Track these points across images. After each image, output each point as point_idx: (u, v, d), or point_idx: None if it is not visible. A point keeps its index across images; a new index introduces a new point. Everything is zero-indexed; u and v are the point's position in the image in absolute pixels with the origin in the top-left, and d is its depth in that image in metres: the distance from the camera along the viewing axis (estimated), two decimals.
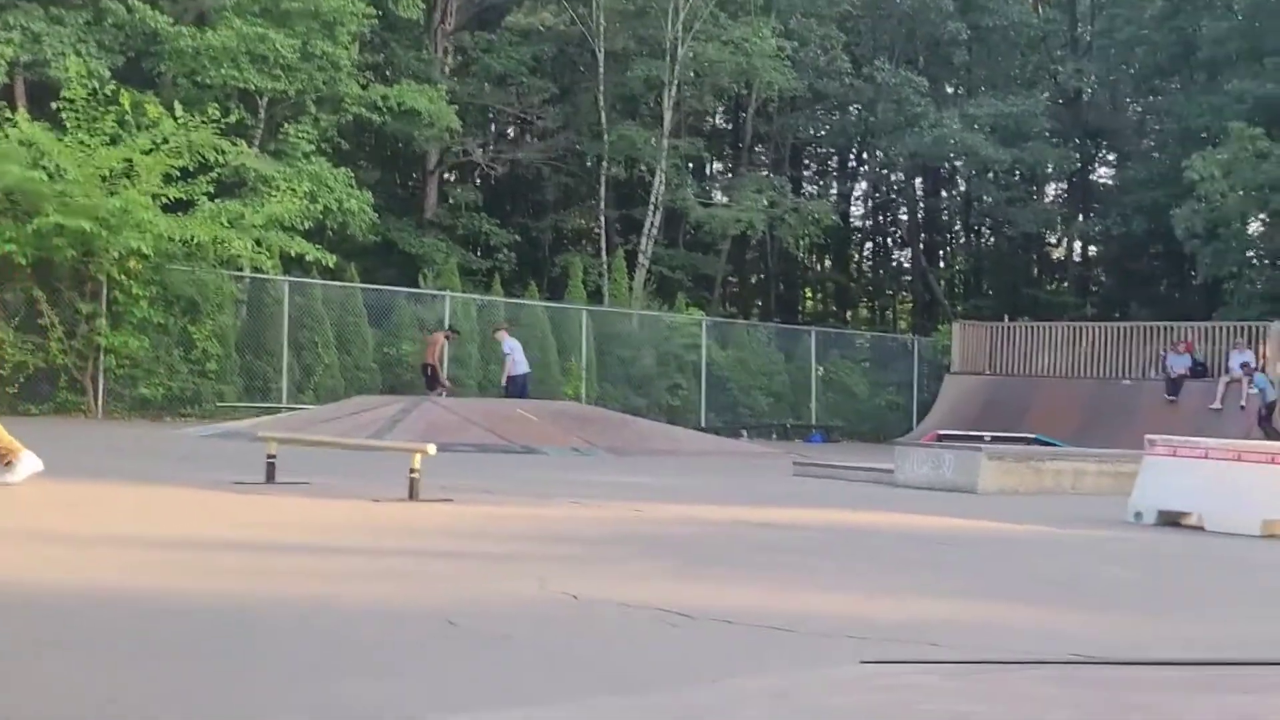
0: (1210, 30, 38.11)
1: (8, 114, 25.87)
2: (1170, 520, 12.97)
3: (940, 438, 23.78)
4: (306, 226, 28.47)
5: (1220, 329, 32.03)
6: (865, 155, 50.02)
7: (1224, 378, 30.27)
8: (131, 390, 25.16)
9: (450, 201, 39.16)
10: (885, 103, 41.46)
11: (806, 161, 51.39)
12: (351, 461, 15.57)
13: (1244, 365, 29.80)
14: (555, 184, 41.80)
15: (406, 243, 35.82)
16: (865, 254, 55.49)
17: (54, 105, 26.01)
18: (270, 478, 12.77)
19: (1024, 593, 8.17)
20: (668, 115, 37.36)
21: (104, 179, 24.90)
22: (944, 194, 49.94)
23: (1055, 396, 32.08)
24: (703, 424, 31.86)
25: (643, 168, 39.32)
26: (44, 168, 24.45)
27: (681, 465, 20.16)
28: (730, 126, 49.03)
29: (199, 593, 6.65)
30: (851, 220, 51.82)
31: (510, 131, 44.55)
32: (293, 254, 27.70)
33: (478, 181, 41.76)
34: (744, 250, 46.66)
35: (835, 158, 52.30)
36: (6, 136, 24.79)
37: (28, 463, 11.49)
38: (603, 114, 37.57)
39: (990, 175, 44.29)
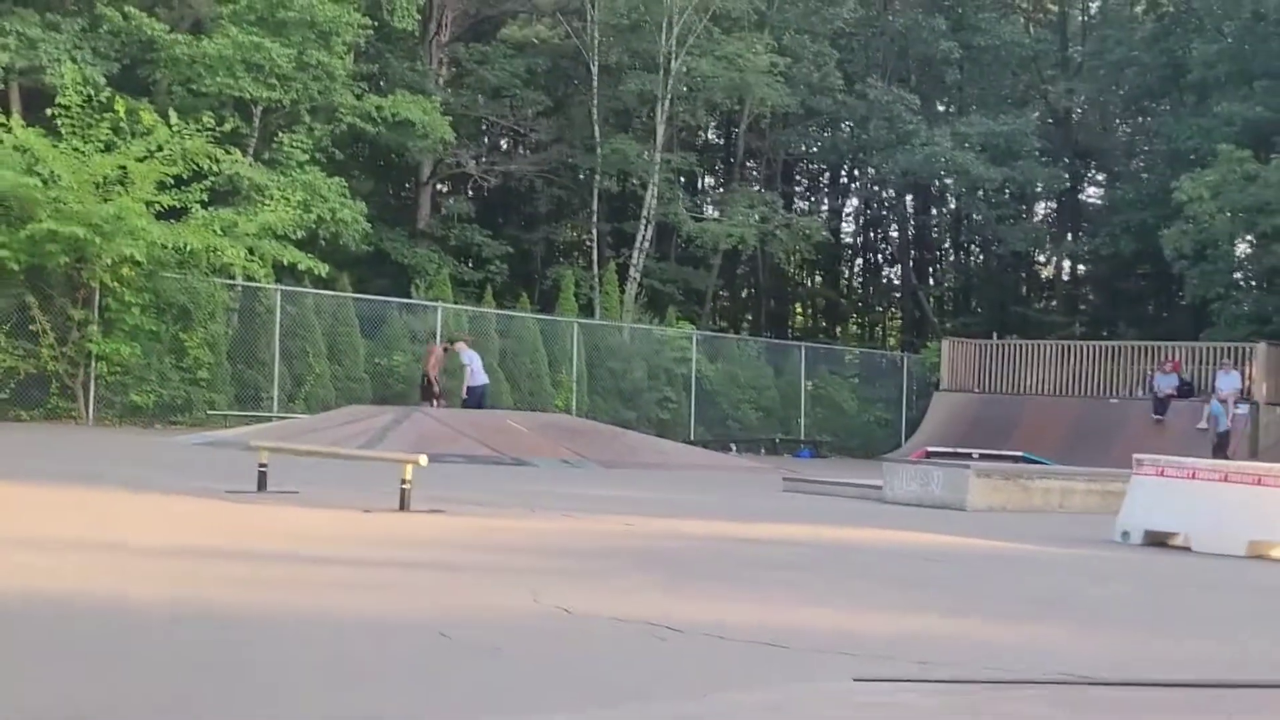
0: (1200, 53, 38.31)
1: (2, 120, 25.86)
2: (1157, 540, 13.06)
3: (929, 454, 23.86)
4: (299, 236, 28.53)
5: (1207, 349, 32.19)
6: (857, 172, 50.18)
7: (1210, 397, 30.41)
8: (122, 397, 25.18)
9: (443, 212, 39.23)
10: (877, 120, 41.60)
11: (798, 177, 51.58)
12: (343, 471, 15.61)
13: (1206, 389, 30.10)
14: (548, 196, 41.88)
15: (399, 253, 35.88)
16: (855, 270, 55.64)
17: (49, 112, 26.05)
18: (262, 487, 12.82)
19: (1013, 611, 8.24)
20: (660, 129, 37.47)
21: (98, 186, 24.97)
22: (934, 211, 50.10)
23: (1043, 414, 32.21)
24: (692, 437, 31.94)
25: (635, 181, 39.43)
26: (38, 174, 24.51)
27: (671, 479, 20.22)
28: (722, 141, 49.21)
29: (190, 602, 6.69)
30: (842, 236, 51.96)
31: (503, 143, 44.63)
32: (285, 263, 27.76)
33: (470, 193, 41.86)
34: (735, 265, 46.79)
35: (827, 174, 52.47)
36: (1, 142, 24.83)
37: None
38: (596, 127, 37.68)
39: (980, 193, 44.41)
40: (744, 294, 50.30)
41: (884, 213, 51.20)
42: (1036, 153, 42.23)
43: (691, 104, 39.58)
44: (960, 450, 24.59)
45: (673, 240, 41.76)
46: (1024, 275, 50.72)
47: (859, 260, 55.36)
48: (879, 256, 54.63)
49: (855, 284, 55.55)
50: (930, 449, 25.72)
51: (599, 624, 6.66)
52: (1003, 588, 9.49)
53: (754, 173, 46.80)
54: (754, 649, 6.15)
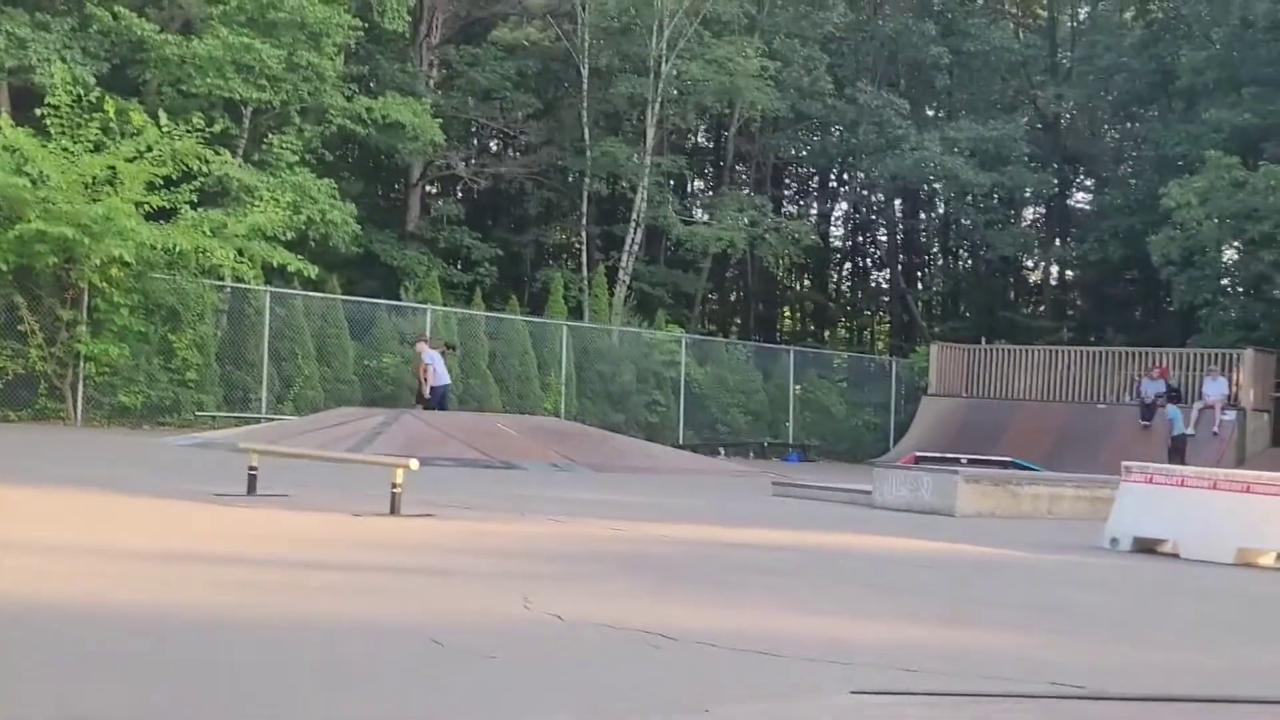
0: (1189, 59, 38.44)
1: None
2: (1146, 547, 13.10)
3: (917, 460, 23.90)
4: (289, 237, 28.51)
5: (1194, 355, 32.31)
6: (846, 176, 50.25)
7: (1197, 404, 30.52)
8: (111, 398, 25.14)
9: (432, 214, 39.22)
10: (866, 124, 41.68)
11: (787, 181, 51.64)
12: (332, 474, 15.60)
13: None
14: (537, 199, 41.90)
15: (388, 255, 35.87)
16: (844, 274, 55.72)
17: (38, 111, 26.01)
18: (251, 490, 12.80)
19: (1003, 618, 8.26)
20: (650, 132, 37.51)
21: (87, 186, 24.94)
22: (923, 216, 50.19)
23: (1030, 419, 32.31)
24: (680, 441, 31.96)
25: (625, 184, 39.46)
26: (27, 174, 24.47)
27: (660, 483, 20.23)
28: (712, 145, 49.26)
29: (180, 607, 6.69)
30: (831, 240, 52.03)
31: (493, 146, 44.64)
32: (274, 264, 27.74)
33: (460, 195, 41.84)
34: (724, 268, 46.83)
35: (816, 178, 52.54)
36: None
37: None
38: (586, 130, 37.70)
39: (969, 198, 44.54)
40: (733, 297, 50.36)
41: (873, 217, 51.28)
42: (1025, 158, 42.32)
43: (681, 107, 39.65)
44: (949, 455, 24.64)
45: (662, 243, 41.81)
46: (1012, 280, 50.83)
47: (848, 264, 55.45)
48: (868, 261, 54.75)
49: (844, 288, 55.64)
50: (919, 454, 25.78)
51: (591, 630, 6.66)
52: (992, 595, 9.51)
53: (743, 176, 46.87)
54: (745, 657, 6.16)
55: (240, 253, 26.65)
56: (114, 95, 27.02)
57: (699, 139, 49.02)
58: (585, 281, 36.93)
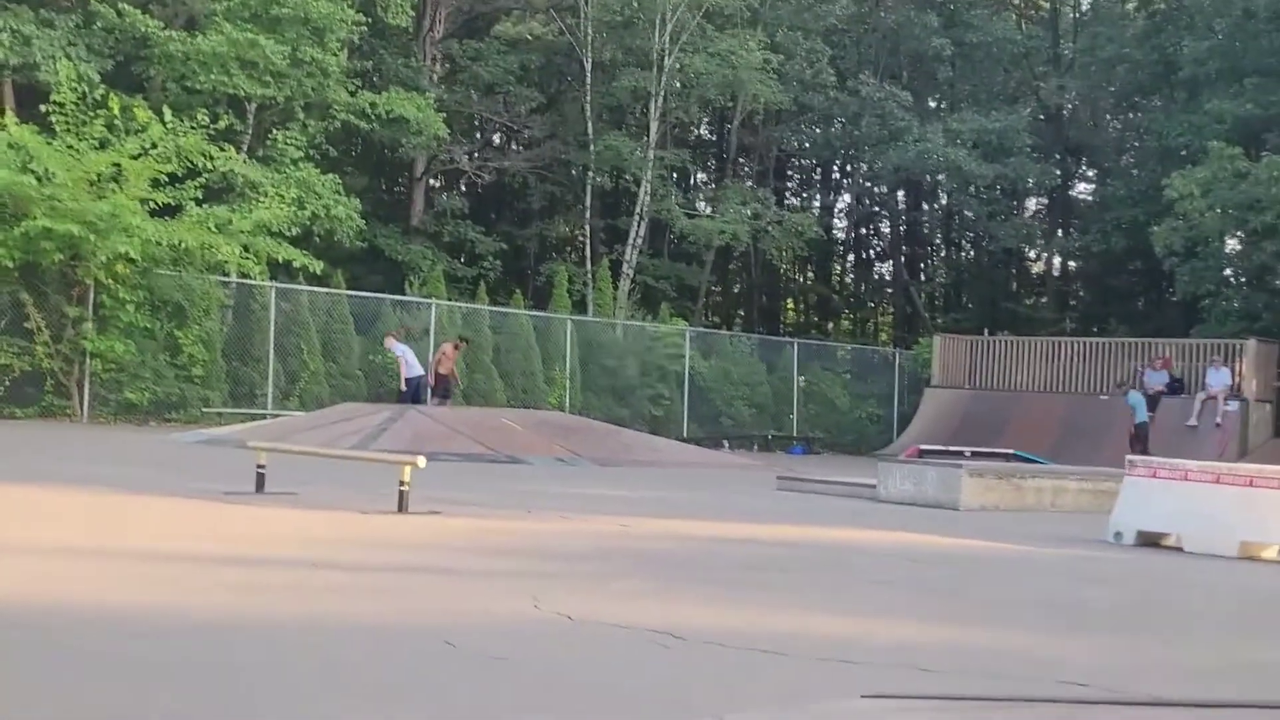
0: (1191, 50, 38.41)
1: None
2: (1150, 541, 13.17)
3: (921, 453, 23.96)
4: (294, 233, 28.56)
5: (1198, 346, 32.33)
6: (849, 168, 50.24)
7: (1200, 394, 30.56)
8: (117, 395, 25.22)
9: (436, 209, 39.27)
10: (869, 117, 41.68)
11: (790, 173, 51.63)
12: (339, 470, 15.64)
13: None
14: (541, 193, 41.95)
15: (393, 249, 35.92)
16: (847, 266, 55.72)
17: (43, 108, 26.06)
18: (260, 488, 12.88)
19: (1010, 615, 8.33)
20: (654, 126, 37.54)
21: (92, 183, 24.99)
22: (926, 207, 50.20)
23: (1033, 411, 32.37)
24: (685, 434, 32.01)
25: (628, 178, 39.48)
26: (32, 171, 24.52)
27: (665, 477, 20.29)
28: (715, 138, 49.26)
29: (189, 608, 6.74)
30: (834, 232, 52.04)
31: (497, 140, 44.64)
32: (280, 260, 27.79)
33: (464, 189, 41.88)
34: (727, 261, 46.88)
35: (819, 170, 52.52)
36: None
37: None
38: (589, 124, 37.74)
39: (972, 190, 44.53)
40: (736, 290, 50.40)
41: (875, 209, 51.25)
42: (1028, 149, 42.33)
43: (684, 100, 39.68)
44: (952, 448, 24.69)
45: (665, 237, 41.87)
46: (1015, 271, 50.83)
47: (851, 256, 55.45)
48: (871, 252, 54.72)
49: (847, 280, 55.65)
50: (922, 447, 25.82)
51: (601, 630, 6.73)
52: (999, 591, 9.58)
53: (746, 169, 46.88)
54: (754, 656, 6.22)
55: (245, 249, 26.68)
56: (118, 92, 27.04)
57: (702, 132, 49.04)
58: (589, 275, 36.99)
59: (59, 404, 24.73)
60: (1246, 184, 32.69)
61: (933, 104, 47.15)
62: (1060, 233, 47.00)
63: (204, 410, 25.95)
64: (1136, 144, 45.56)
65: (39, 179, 24.41)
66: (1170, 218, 34.03)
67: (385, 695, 5.16)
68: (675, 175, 42.18)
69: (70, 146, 25.08)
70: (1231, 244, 36.80)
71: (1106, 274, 44.78)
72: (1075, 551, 12.50)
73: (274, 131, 31.41)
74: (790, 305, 54.08)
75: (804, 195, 52.42)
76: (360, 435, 20.60)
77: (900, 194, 48.65)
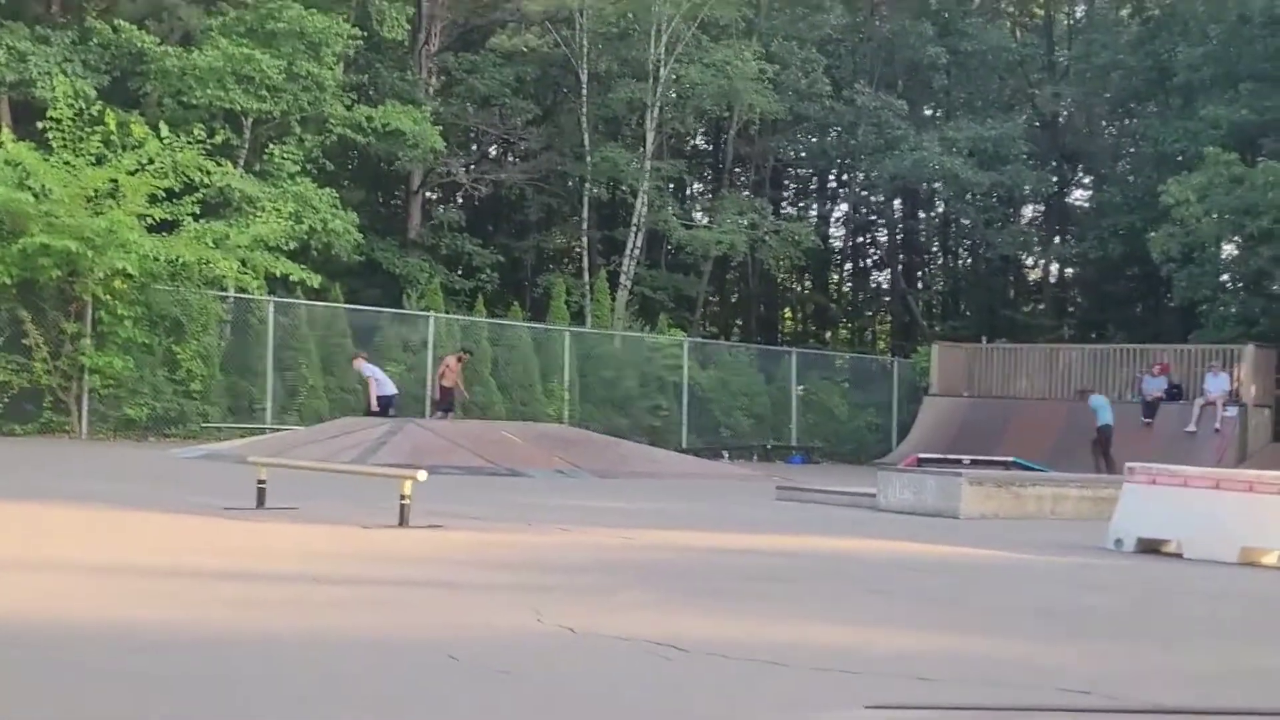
0: (1185, 56, 38.50)
1: None
2: (1150, 547, 13.17)
3: (920, 461, 23.98)
4: (291, 247, 28.60)
5: (1196, 351, 32.35)
6: (845, 177, 50.30)
7: (1199, 400, 30.58)
8: (116, 411, 25.24)
9: (433, 221, 39.31)
10: (865, 126, 41.74)
11: (787, 183, 51.68)
12: (339, 484, 15.64)
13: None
14: (538, 205, 42.01)
15: (390, 263, 35.96)
16: (845, 275, 55.78)
17: (39, 125, 26.12)
18: (261, 503, 12.89)
19: (1011, 623, 8.33)
20: (650, 137, 37.60)
21: (89, 199, 25.05)
22: (922, 216, 50.23)
23: (1032, 418, 32.36)
24: (684, 445, 32.03)
25: (625, 189, 39.57)
26: (29, 188, 24.57)
27: (665, 488, 20.30)
28: (711, 148, 49.32)
29: (189, 623, 6.74)
30: (831, 241, 52.10)
31: (493, 152, 44.71)
32: (277, 274, 27.83)
33: (460, 201, 41.92)
34: (725, 271, 46.92)
35: (815, 179, 52.59)
36: None
37: None
38: (585, 135, 37.80)
39: (968, 197, 44.58)
40: (734, 299, 50.43)
41: (872, 217, 51.32)
42: (1024, 156, 42.40)
43: (680, 111, 39.75)
44: (951, 457, 24.71)
45: (663, 247, 41.91)
46: (1012, 279, 50.85)
47: (848, 265, 55.51)
48: (868, 261, 54.78)
49: (845, 289, 55.70)
50: (921, 455, 25.84)
51: (603, 643, 6.73)
52: (999, 599, 9.58)
53: (743, 179, 46.93)
54: (757, 668, 6.23)
55: (243, 263, 26.74)
56: (115, 108, 27.11)
57: (698, 142, 49.11)
58: (587, 287, 37.03)
59: (58, 420, 24.75)
60: (1243, 189, 32.75)
61: (928, 112, 47.21)
62: (1057, 239, 47.06)
63: (203, 425, 25.98)
64: (1132, 150, 45.60)
65: (36, 195, 24.48)
66: (1167, 223, 34.08)
67: (387, 708, 5.17)
68: (672, 186, 42.25)
69: (67, 163, 25.16)
70: (1228, 249, 36.84)
71: (1104, 280, 44.80)
72: (1075, 559, 12.51)
73: (270, 146, 31.49)
74: (788, 314, 54.13)
75: (801, 205, 52.47)
76: (359, 449, 20.62)
77: (897, 202, 48.70)
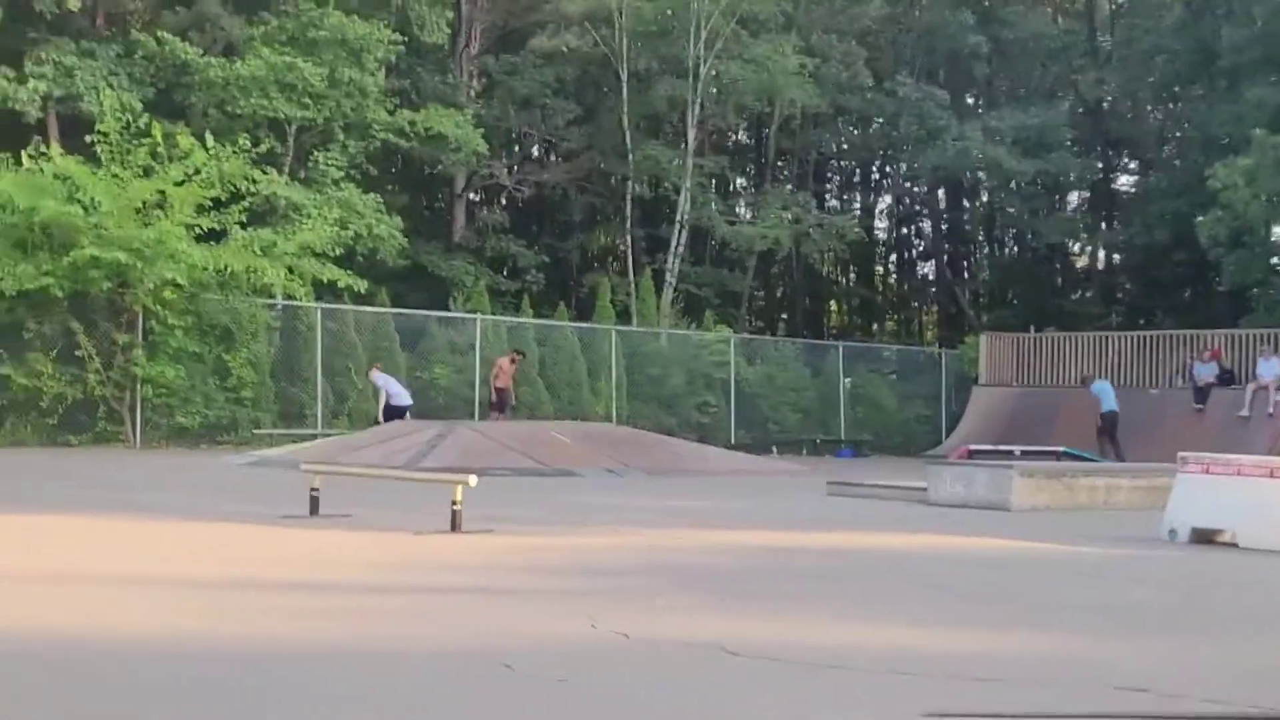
0: (1230, 38, 38.11)
1: (42, 148, 26.21)
2: (1204, 538, 13.09)
3: (971, 454, 23.90)
4: (337, 253, 28.75)
5: (1246, 336, 32.05)
6: (888, 169, 50.14)
7: (1251, 385, 30.31)
8: (169, 419, 25.47)
9: (477, 224, 39.44)
10: (907, 117, 41.56)
11: (829, 176, 51.56)
12: (392, 490, 15.71)
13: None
14: (581, 204, 42.06)
15: (435, 266, 36.11)
16: (890, 267, 55.58)
17: (87, 139, 26.37)
18: (314, 511, 13.00)
19: (1067, 619, 8.27)
20: (691, 134, 37.57)
21: (138, 211, 25.26)
22: (966, 205, 49.99)
23: (1082, 406, 32.09)
24: (733, 441, 32.02)
25: (667, 186, 39.55)
26: (79, 201, 24.82)
27: (715, 486, 20.31)
28: (753, 143, 49.25)
29: (248, 636, 6.81)
30: (875, 233, 51.93)
31: (535, 153, 44.80)
32: (324, 280, 27.99)
33: (504, 203, 42.03)
34: (769, 266, 46.85)
35: (858, 172, 52.44)
36: (41, 171, 25.16)
37: None
38: (627, 134, 37.83)
39: (1013, 186, 44.34)
40: (779, 294, 50.36)
41: (916, 208, 51.15)
42: (1068, 143, 42.12)
43: (721, 107, 39.70)
44: (1002, 448, 24.60)
45: (707, 244, 41.88)
46: (1059, 267, 50.51)
47: (893, 257, 55.33)
48: (913, 252, 54.59)
49: (890, 281, 55.51)
50: (973, 448, 25.74)
51: (659, 649, 6.74)
52: (1055, 594, 9.52)
53: (785, 173, 46.84)
54: (816, 671, 6.23)
55: (290, 270, 26.91)
56: (160, 119, 27.33)
57: (740, 137, 49.04)
58: (632, 285, 37.06)
59: (111, 430, 25.00)
60: None
61: (970, 102, 46.97)
62: (1104, 226, 46.73)
63: (254, 432, 26.16)
64: (1178, 135, 45.24)
65: (85, 209, 24.71)
66: (1214, 208, 33.77)
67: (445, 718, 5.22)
68: (714, 182, 42.22)
69: (115, 175, 25.38)
70: (1278, 233, 36.47)
71: (1152, 266, 44.44)
72: (1128, 551, 12.45)
73: (315, 153, 31.68)
74: (834, 308, 53.99)
75: (844, 197, 52.34)
76: (409, 453, 20.73)
77: (940, 193, 48.50)
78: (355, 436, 24.04)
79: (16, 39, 30.21)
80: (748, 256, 41.23)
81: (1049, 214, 45.36)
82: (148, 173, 25.79)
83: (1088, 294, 48.50)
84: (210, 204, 26.53)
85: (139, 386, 25.17)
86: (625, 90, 37.74)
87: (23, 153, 25.83)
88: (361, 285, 28.28)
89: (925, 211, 50.77)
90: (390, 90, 34.51)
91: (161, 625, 7.07)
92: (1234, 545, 12.78)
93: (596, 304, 35.02)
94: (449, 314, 31.62)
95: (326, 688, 5.72)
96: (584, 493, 17.96)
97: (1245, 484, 12.98)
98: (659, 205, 42.05)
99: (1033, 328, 36.63)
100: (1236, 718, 5.61)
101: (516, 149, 43.59)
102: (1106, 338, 34.84)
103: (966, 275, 51.21)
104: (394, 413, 25.69)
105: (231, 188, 26.91)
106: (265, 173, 28.63)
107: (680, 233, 37.65)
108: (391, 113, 33.44)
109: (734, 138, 48.00)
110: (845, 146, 48.20)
